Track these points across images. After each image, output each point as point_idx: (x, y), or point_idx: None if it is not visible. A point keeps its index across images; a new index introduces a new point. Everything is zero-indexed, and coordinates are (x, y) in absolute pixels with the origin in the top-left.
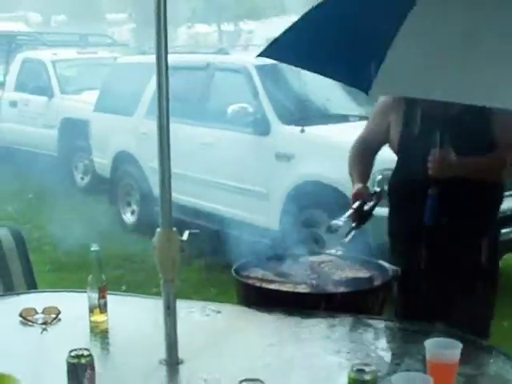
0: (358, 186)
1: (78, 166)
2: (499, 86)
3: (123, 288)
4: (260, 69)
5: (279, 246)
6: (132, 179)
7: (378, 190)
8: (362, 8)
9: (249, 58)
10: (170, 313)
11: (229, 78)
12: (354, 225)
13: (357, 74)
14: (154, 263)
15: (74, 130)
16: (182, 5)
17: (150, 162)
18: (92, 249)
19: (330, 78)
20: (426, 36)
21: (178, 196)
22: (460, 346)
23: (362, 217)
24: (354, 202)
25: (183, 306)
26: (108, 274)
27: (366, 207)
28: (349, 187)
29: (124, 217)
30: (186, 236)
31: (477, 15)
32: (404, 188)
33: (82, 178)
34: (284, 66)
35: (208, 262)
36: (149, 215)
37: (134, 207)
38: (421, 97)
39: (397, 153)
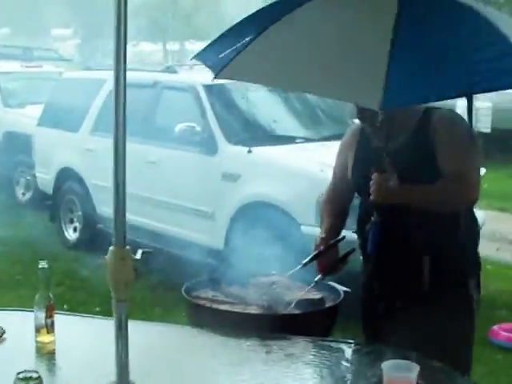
0: (318, 236)
1: (20, 181)
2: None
3: (65, 307)
4: (208, 88)
5: (225, 266)
6: (75, 196)
7: (340, 237)
8: None
9: (197, 77)
10: (122, 334)
11: (177, 96)
12: (319, 276)
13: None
14: (97, 281)
15: (16, 145)
16: (128, 23)
17: (94, 179)
18: (40, 266)
19: None
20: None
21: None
22: (417, 367)
23: (325, 268)
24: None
25: (132, 327)
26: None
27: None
28: (294, 207)
29: (66, 234)
30: (139, 255)
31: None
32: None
33: (24, 194)
34: (232, 87)
35: (153, 282)
36: (91, 233)
37: (77, 224)
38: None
39: (356, 191)
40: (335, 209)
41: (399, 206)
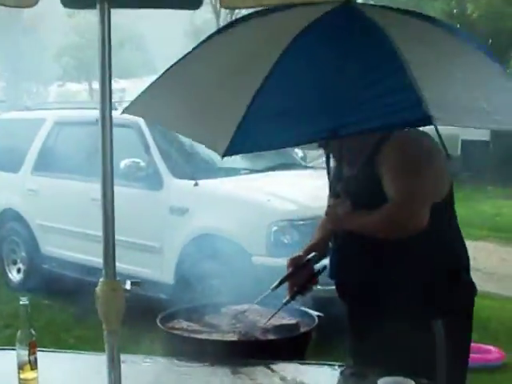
0: (295, 254)
1: None
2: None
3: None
4: (151, 124)
5: (176, 301)
6: (18, 237)
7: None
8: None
9: None
10: (115, 365)
11: (120, 133)
12: (287, 298)
13: None
14: (45, 322)
15: None
16: (53, 63)
17: (37, 219)
18: (21, 302)
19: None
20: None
21: (68, 253)
22: (412, 383)
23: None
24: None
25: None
26: None
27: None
28: (244, 238)
29: (10, 275)
30: (128, 285)
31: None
32: None
33: None
34: None
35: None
36: (36, 273)
37: (20, 265)
38: None
39: None
40: (322, 230)
41: (353, 232)
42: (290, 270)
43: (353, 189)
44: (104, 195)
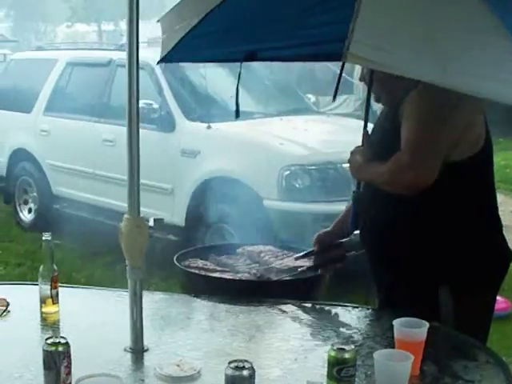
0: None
1: None
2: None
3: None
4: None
5: (187, 242)
6: (30, 177)
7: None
8: None
9: (152, 54)
10: (137, 300)
11: None
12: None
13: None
14: (56, 261)
15: None
16: (62, 4)
17: (49, 160)
18: (44, 238)
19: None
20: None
21: (79, 193)
22: (427, 324)
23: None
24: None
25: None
26: (11, 273)
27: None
28: (256, 181)
29: (21, 215)
30: (152, 222)
31: None
32: None
33: None
34: (187, 63)
35: (112, 259)
36: (47, 213)
37: (32, 205)
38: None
39: None
40: None
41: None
42: (315, 248)
43: (377, 137)
44: (130, 135)
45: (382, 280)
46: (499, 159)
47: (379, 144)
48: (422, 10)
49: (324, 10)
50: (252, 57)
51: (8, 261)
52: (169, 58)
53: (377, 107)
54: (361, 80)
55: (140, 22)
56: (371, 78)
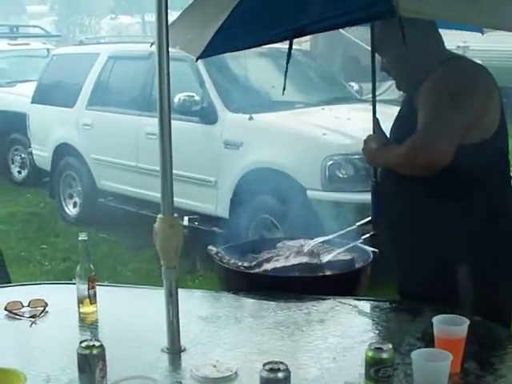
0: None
1: (15, 159)
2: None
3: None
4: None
5: (231, 234)
6: (74, 171)
7: None
8: None
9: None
10: (173, 300)
11: (174, 67)
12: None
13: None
14: (102, 255)
15: (9, 123)
16: None
17: (92, 154)
18: (80, 238)
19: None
20: None
21: (124, 187)
22: (467, 321)
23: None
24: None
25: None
26: (56, 268)
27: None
28: (299, 172)
29: (66, 209)
30: (186, 221)
31: None
32: None
33: (20, 172)
34: (229, 55)
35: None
36: (92, 207)
37: (77, 199)
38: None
39: None
40: None
41: (390, 169)
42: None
43: (398, 122)
44: (162, 132)
45: (402, 263)
46: None
47: (398, 129)
48: None
49: None
50: (301, 32)
51: (54, 255)
52: (209, 52)
53: None
54: (381, 70)
55: (176, 11)
56: (374, 67)
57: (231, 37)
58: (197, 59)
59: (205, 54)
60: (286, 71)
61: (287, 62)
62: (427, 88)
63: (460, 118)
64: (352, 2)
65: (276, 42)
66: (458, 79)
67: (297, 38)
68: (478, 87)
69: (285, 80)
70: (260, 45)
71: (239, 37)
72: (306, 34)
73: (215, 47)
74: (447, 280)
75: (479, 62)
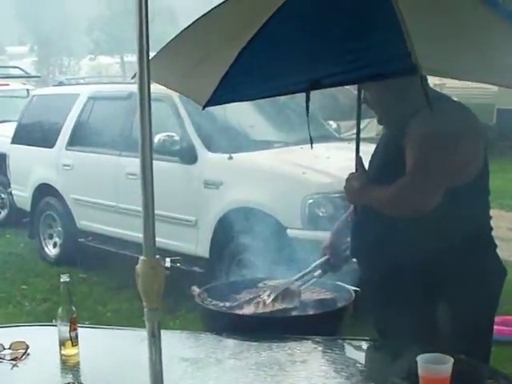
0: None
1: None
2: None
3: (53, 322)
4: (184, 97)
5: (212, 274)
6: (54, 211)
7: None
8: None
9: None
10: (156, 341)
11: (153, 107)
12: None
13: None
14: (82, 296)
15: None
16: (85, 37)
17: (73, 194)
18: (62, 280)
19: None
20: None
21: (104, 227)
22: (451, 360)
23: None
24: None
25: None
26: (36, 309)
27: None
28: (279, 211)
29: (46, 250)
30: (168, 263)
31: None
32: None
33: None
34: None
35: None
36: (72, 247)
37: (57, 239)
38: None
39: None
40: None
41: (371, 207)
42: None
43: (379, 160)
44: (143, 172)
45: (379, 302)
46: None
47: (381, 167)
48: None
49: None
50: (316, 85)
51: (34, 296)
52: (216, 99)
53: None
54: (363, 102)
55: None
56: (359, 103)
57: (240, 84)
58: (203, 107)
59: (213, 102)
60: (308, 124)
61: (307, 115)
62: (416, 130)
63: (449, 162)
64: (370, 54)
65: (291, 94)
66: (447, 124)
67: (314, 90)
68: (466, 131)
69: (309, 128)
70: (272, 95)
71: (248, 85)
72: (322, 87)
73: (221, 95)
74: (426, 317)
75: (456, 99)
